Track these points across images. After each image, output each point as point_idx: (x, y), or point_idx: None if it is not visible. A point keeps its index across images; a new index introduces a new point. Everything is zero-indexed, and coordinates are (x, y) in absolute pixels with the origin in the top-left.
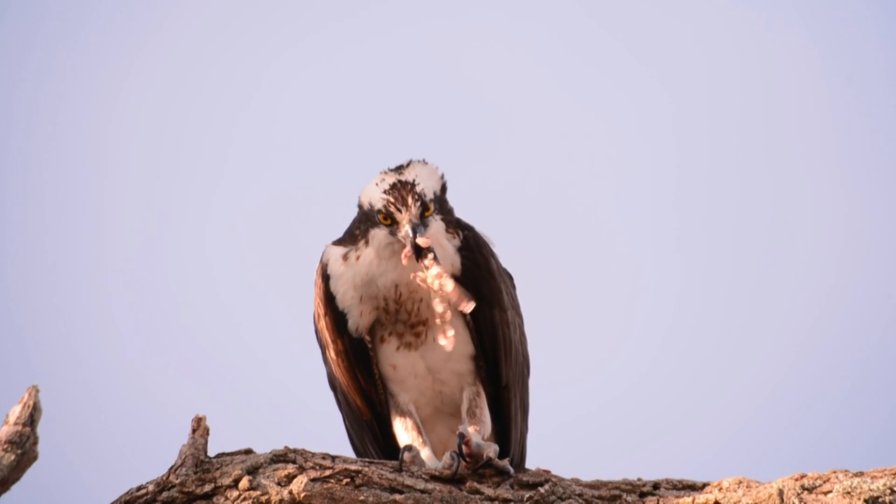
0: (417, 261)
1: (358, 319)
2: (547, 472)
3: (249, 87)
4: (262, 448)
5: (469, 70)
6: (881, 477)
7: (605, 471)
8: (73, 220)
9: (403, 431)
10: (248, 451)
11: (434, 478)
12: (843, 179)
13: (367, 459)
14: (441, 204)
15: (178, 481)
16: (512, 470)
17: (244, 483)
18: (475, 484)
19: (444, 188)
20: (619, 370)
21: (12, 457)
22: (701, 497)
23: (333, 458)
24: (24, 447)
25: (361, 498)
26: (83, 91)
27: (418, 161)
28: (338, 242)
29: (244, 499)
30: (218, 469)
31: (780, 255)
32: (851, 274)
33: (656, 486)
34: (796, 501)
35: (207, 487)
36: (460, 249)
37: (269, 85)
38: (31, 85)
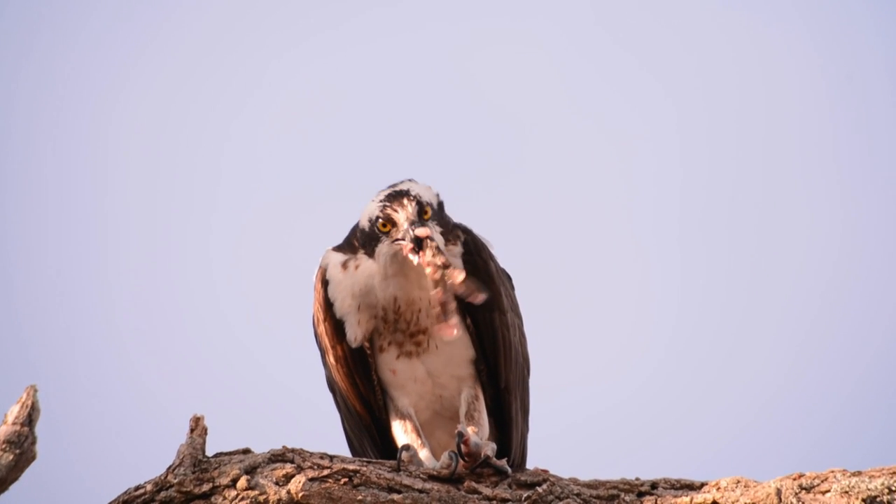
0: (419, 253)
1: (356, 328)
2: (545, 471)
3: (256, 89)
4: (260, 448)
5: (477, 74)
6: (879, 476)
7: (605, 471)
8: (73, 220)
9: (402, 434)
10: (246, 451)
11: (432, 477)
12: (844, 179)
13: (364, 459)
14: (439, 219)
15: (176, 481)
16: (510, 469)
17: (242, 483)
18: (473, 483)
19: (440, 205)
20: (621, 373)
21: (10, 456)
22: (699, 496)
23: (331, 457)
24: (23, 447)
25: (359, 497)
26: (85, 93)
27: (410, 180)
28: (338, 249)
29: (242, 498)
30: (216, 469)
31: (779, 258)
32: (851, 274)
33: (654, 485)
34: (794, 501)
35: (205, 487)
36: (461, 255)
37: (274, 88)
38: (33, 86)
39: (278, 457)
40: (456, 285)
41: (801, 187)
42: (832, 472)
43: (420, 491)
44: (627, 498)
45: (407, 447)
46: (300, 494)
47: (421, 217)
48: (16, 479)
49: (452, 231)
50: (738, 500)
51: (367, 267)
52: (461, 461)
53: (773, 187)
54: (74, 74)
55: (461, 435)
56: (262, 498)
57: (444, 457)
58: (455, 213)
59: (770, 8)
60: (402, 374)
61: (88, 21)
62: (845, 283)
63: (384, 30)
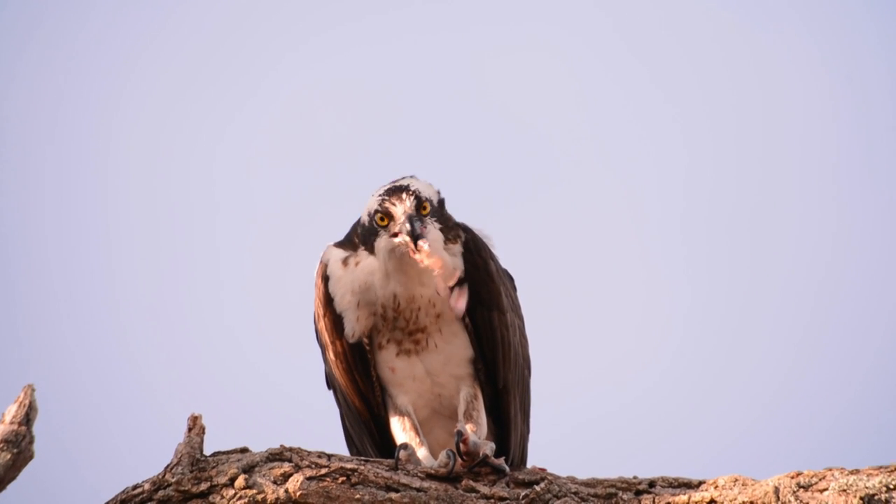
0: (415, 247)
1: (354, 324)
2: (542, 470)
3: (266, 91)
4: (258, 447)
5: (490, 79)
6: (877, 475)
7: (606, 472)
8: (73, 219)
9: (401, 432)
10: (244, 450)
11: (430, 476)
12: (844, 180)
13: (362, 458)
14: (439, 216)
15: (174, 480)
16: (507, 468)
17: (240, 482)
18: (471, 482)
19: (441, 203)
20: (622, 377)
21: (8, 456)
22: (697, 495)
23: (329, 456)
24: (20, 446)
25: (357, 496)
26: (89, 89)
27: (411, 176)
28: (339, 245)
29: (240, 497)
30: (214, 468)
31: (781, 259)
32: (851, 273)
33: (652, 484)
34: (792, 499)
35: (203, 486)
36: (462, 254)
37: (286, 89)
38: (33, 86)
39: (276, 456)
40: (440, 270)
41: (803, 188)
42: (830, 470)
43: (418, 489)
44: (625, 496)
45: (405, 446)
46: (298, 493)
47: (419, 212)
48: (13, 478)
49: (453, 229)
50: (735, 499)
51: (367, 264)
52: (459, 460)
53: (776, 189)
54: (76, 74)
55: (460, 434)
56: (259, 497)
57: (443, 455)
58: (459, 213)
59: (770, 8)
60: (400, 372)
61: (89, 20)
62: (845, 283)
63: (398, 32)
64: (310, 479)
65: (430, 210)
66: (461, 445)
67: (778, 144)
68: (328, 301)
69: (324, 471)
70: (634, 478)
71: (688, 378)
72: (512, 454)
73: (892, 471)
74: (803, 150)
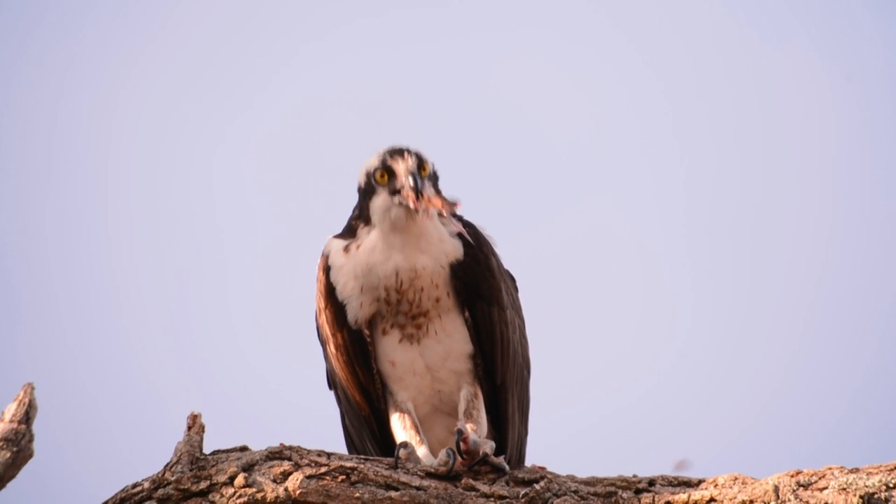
0: (418, 199)
1: (357, 310)
2: (542, 468)
3: (273, 91)
4: (258, 445)
5: (498, 83)
6: (877, 473)
7: (605, 471)
8: (72, 217)
9: (401, 430)
10: (244, 449)
11: (430, 475)
12: (844, 180)
13: (362, 456)
14: (435, 187)
15: (173, 478)
16: (507, 467)
17: (240, 480)
18: (471, 481)
19: (436, 175)
20: (623, 378)
21: (8, 454)
22: (696, 493)
23: (329, 455)
24: (20, 444)
25: (357, 495)
26: (91, 88)
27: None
28: (339, 236)
29: (240, 496)
30: (213, 466)
31: (781, 260)
32: (850, 273)
33: (652, 482)
34: (792, 498)
35: (203, 484)
36: (465, 246)
37: (285, 91)
38: (33, 85)
39: (276, 454)
40: (438, 205)
41: (805, 189)
42: (830, 468)
43: (417, 488)
44: (625, 495)
45: (405, 444)
46: (298, 492)
47: (420, 171)
48: (13, 476)
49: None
50: (735, 497)
51: (368, 242)
52: (459, 458)
53: (778, 190)
54: (76, 74)
55: (460, 432)
56: (259, 495)
57: (442, 454)
58: (463, 214)
59: (770, 8)
60: (401, 366)
61: (89, 20)
62: (844, 283)
63: (405, 35)
64: (309, 477)
65: (429, 173)
66: (461, 444)
67: (780, 146)
68: (330, 292)
69: (323, 469)
70: (634, 476)
71: (689, 380)
72: (509, 454)
73: (891, 469)
74: (805, 150)
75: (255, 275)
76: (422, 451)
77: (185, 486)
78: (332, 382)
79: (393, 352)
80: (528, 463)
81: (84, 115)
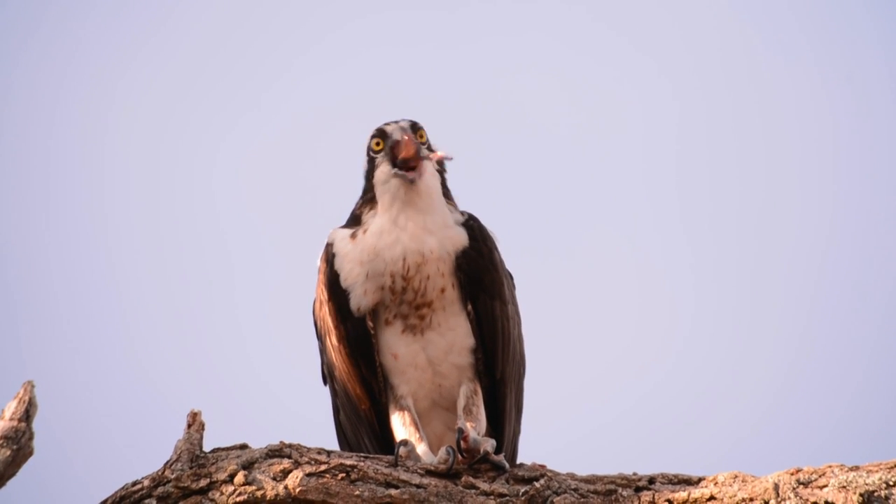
0: (414, 154)
1: (361, 298)
2: (542, 466)
3: (281, 91)
4: (258, 443)
5: (497, 84)
6: (877, 471)
7: (606, 470)
8: (71, 216)
9: (401, 426)
10: (244, 447)
11: (430, 472)
12: (844, 180)
13: (362, 454)
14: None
15: (173, 476)
16: (507, 465)
17: (240, 478)
18: (471, 479)
19: (429, 144)
20: (623, 381)
21: (8, 452)
22: (697, 491)
23: (329, 452)
24: (20, 443)
25: (357, 493)
26: (92, 88)
27: None
28: (343, 227)
29: (239, 494)
30: (213, 464)
31: (780, 260)
32: (849, 273)
33: (652, 480)
34: (792, 496)
35: (203, 482)
36: (468, 240)
37: (287, 93)
38: (33, 83)
39: (275, 452)
40: (435, 157)
41: (802, 189)
42: (830, 466)
43: (418, 486)
44: (625, 493)
45: (405, 442)
46: (297, 490)
47: (415, 134)
48: (13, 474)
49: (453, 202)
50: (735, 495)
51: (375, 225)
52: (459, 456)
53: (776, 189)
54: (77, 74)
55: (461, 431)
56: (259, 493)
57: (442, 452)
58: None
59: (769, 8)
60: (403, 359)
61: (89, 19)
62: (843, 282)
63: (409, 36)
64: (309, 475)
65: (426, 139)
66: (461, 443)
67: (780, 148)
68: (332, 283)
69: (323, 467)
70: (634, 474)
71: (688, 382)
72: (504, 450)
73: (891, 467)
74: (804, 151)
75: (253, 273)
76: (421, 448)
77: (185, 484)
78: (330, 377)
79: (395, 345)
80: (519, 460)
81: (84, 114)
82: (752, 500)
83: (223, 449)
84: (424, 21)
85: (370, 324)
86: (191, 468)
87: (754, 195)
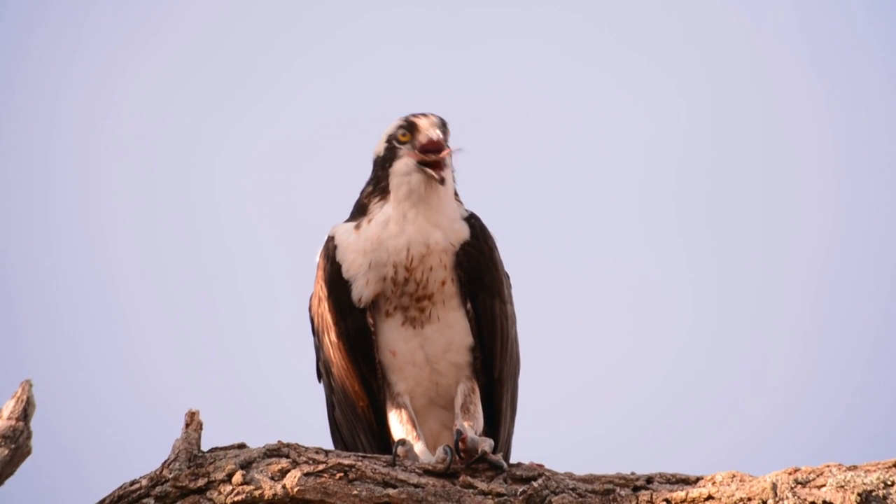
0: (438, 154)
1: (363, 288)
2: (540, 466)
3: (285, 94)
4: (256, 442)
5: (498, 85)
6: (875, 471)
7: (602, 471)
8: (70, 214)
9: (398, 424)
10: (242, 446)
11: (427, 472)
12: (843, 179)
13: (360, 454)
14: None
15: (171, 476)
16: (505, 464)
17: (237, 477)
18: (469, 478)
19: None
20: (622, 383)
21: (5, 451)
22: (694, 491)
23: (327, 452)
24: (18, 442)
25: (355, 492)
26: (88, 85)
27: None
28: (346, 221)
29: (237, 493)
30: (211, 463)
31: (780, 260)
32: (848, 273)
33: (650, 479)
34: (789, 495)
35: (201, 482)
36: (469, 238)
37: (289, 93)
38: (33, 83)
39: (273, 451)
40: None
41: (802, 189)
42: (828, 466)
43: (415, 486)
44: (623, 492)
45: (403, 442)
46: (295, 489)
47: (444, 130)
48: (10, 474)
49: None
50: (733, 495)
51: (381, 215)
52: (456, 456)
53: (775, 190)
54: (77, 74)
55: (459, 432)
56: (257, 493)
57: (440, 451)
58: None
59: (769, 8)
60: (401, 356)
61: (89, 18)
62: (842, 282)
63: (413, 36)
64: (307, 475)
65: (449, 135)
66: (460, 443)
67: (780, 148)
68: (333, 278)
69: (321, 467)
70: (632, 474)
71: (687, 385)
72: (499, 450)
73: (889, 467)
74: (804, 152)
75: (253, 273)
76: (419, 447)
77: (183, 484)
78: (327, 373)
79: (395, 341)
80: (516, 461)
81: (84, 113)
82: (749, 499)
83: (221, 448)
84: (424, 21)
85: (371, 319)
86: (189, 468)
87: (753, 197)
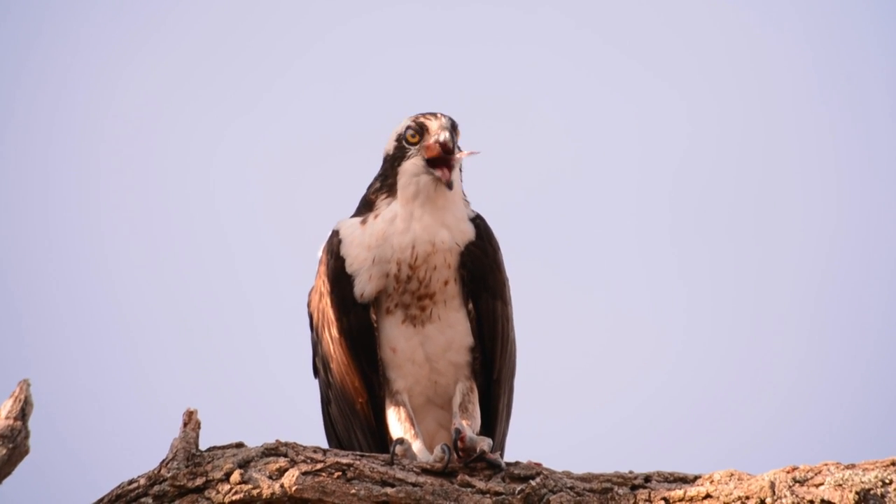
0: (448, 155)
1: (366, 283)
2: (538, 464)
3: (286, 91)
4: (254, 441)
5: (498, 85)
6: (873, 469)
7: (601, 468)
8: (69, 214)
9: (396, 422)
10: (240, 445)
11: (425, 471)
12: (843, 179)
13: (358, 453)
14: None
15: (169, 475)
16: (503, 463)
17: (236, 477)
18: (466, 477)
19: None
20: (620, 387)
21: (3, 451)
22: (692, 489)
23: (325, 451)
24: (16, 441)
25: (353, 491)
26: (89, 84)
27: None
28: (352, 216)
29: (236, 492)
30: (209, 463)
31: (779, 260)
32: (847, 273)
33: (647, 478)
34: (788, 494)
35: (199, 481)
36: (474, 238)
37: (289, 92)
38: (33, 82)
39: (272, 451)
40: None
41: (801, 190)
42: (826, 465)
43: (414, 485)
44: (621, 491)
45: (401, 441)
46: (294, 488)
47: (453, 133)
48: (8, 473)
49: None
50: (731, 493)
51: (388, 212)
52: (454, 455)
53: (775, 190)
54: (77, 74)
55: (458, 432)
56: (255, 492)
57: (438, 450)
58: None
59: (769, 8)
60: (401, 354)
61: (89, 18)
62: (841, 282)
63: (414, 36)
64: (305, 474)
65: (459, 136)
66: (458, 442)
67: (779, 149)
68: (336, 273)
69: (319, 466)
70: (630, 472)
71: (686, 387)
72: (496, 449)
73: (887, 465)
74: (804, 152)
75: (253, 273)
76: (417, 445)
77: (181, 483)
78: (325, 369)
79: (395, 338)
80: (509, 459)
81: (85, 112)
82: (748, 498)
83: (219, 447)
84: (425, 21)
85: (374, 316)
86: (187, 467)
87: (753, 198)
